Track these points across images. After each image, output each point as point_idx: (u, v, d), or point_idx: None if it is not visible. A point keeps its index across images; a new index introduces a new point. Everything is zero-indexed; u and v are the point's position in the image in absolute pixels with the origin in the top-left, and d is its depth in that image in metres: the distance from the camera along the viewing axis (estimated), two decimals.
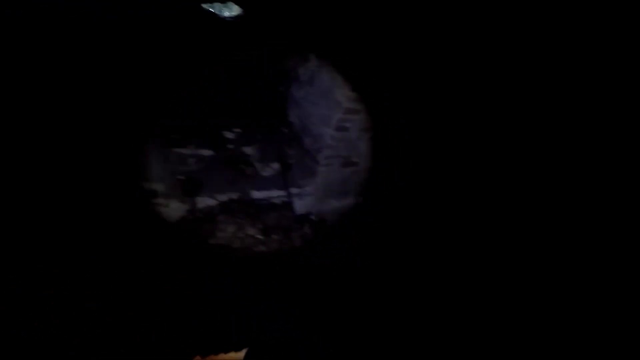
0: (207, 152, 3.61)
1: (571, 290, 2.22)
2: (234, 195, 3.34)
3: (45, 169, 2.21)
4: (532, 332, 2.25)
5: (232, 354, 2.50)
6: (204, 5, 2.19)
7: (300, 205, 3.55)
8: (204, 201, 3.18)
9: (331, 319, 2.68)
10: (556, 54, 2.14)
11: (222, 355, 2.48)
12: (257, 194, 3.46)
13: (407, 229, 3.09)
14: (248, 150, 3.70)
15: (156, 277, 2.60)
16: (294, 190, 3.52)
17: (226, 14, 2.27)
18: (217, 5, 2.25)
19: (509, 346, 2.32)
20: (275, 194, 3.56)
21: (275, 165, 3.61)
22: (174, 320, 2.50)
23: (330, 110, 3.33)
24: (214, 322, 2.62)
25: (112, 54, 2.00)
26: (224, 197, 3.29)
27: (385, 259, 3.00)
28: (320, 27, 2.26)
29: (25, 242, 2.26)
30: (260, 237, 3.31)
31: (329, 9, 2.07)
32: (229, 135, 3.67)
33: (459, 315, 2.55)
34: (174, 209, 2.90)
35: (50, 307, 2.28)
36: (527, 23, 2.14)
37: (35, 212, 2.25)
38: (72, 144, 2.17)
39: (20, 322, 2.18)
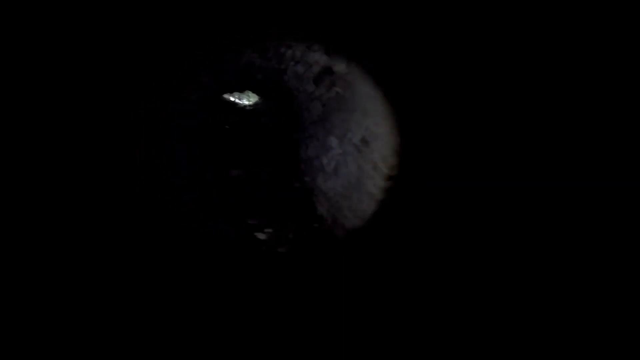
0: None
1: (571, 289, 2.24)
2: None
3: (45, 169, 2.19)
4: (532, 332, 2.22)
5: None
6: (225, 96, 3.17)
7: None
8: None
9: (332, 319, 2.50)
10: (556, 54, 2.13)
11: None
12: None
13: (415, 230, 2.86)
14: (281, 249, 3.53)
15: (156, 276, 2.51)
16: None
17: (245, 102, 3.12)
18: (236, 94, 3.33)
19: (510, 346, 2.23)
20: None
21: None
22: (173, 320, 2.36)
23: (362, 204, 3.04)
24: (213, 321, 2.45)
25: None
26: None
27: (387, 258, 2.83)
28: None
29: (25, 241, 2.19)
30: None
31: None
32: (261, 236, 3.66)
33: (461, 315, 2.43)
34: None
35: (50, 307, 2.16)
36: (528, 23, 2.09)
37: (34, 212, 2.19)
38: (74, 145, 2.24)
39: (20, 322, 2.07)
